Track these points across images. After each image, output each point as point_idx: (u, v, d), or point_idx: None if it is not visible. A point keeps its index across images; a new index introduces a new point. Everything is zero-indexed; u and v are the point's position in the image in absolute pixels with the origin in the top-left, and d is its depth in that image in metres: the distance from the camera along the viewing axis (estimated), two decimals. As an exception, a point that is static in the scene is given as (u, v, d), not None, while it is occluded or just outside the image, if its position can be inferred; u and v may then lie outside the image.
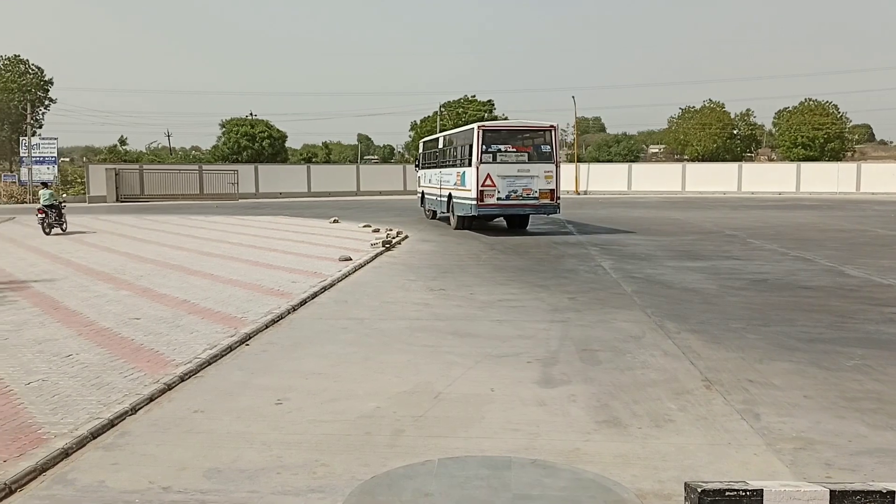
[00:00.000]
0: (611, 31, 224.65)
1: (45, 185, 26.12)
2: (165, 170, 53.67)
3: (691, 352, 7.95)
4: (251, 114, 75.08)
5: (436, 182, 26.17)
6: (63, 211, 22.91)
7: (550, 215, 23.64)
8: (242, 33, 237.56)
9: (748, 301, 10.98)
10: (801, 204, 39.92)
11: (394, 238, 19.45)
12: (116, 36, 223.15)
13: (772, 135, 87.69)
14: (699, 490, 3.39)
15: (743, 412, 6.00)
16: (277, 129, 72.93)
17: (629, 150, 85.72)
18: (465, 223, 23.11)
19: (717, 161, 67.60)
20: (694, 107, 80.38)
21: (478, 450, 5.24)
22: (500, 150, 21.30)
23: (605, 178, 57.00)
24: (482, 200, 21.05)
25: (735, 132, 78.39)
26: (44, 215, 21.97)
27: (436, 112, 73.35)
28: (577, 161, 60.37)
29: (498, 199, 21.14)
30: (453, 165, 23.76)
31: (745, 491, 3.40)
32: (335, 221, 26.21)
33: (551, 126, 21.98)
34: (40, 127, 60.99)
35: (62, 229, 22.62)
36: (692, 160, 71.52)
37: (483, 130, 21.32)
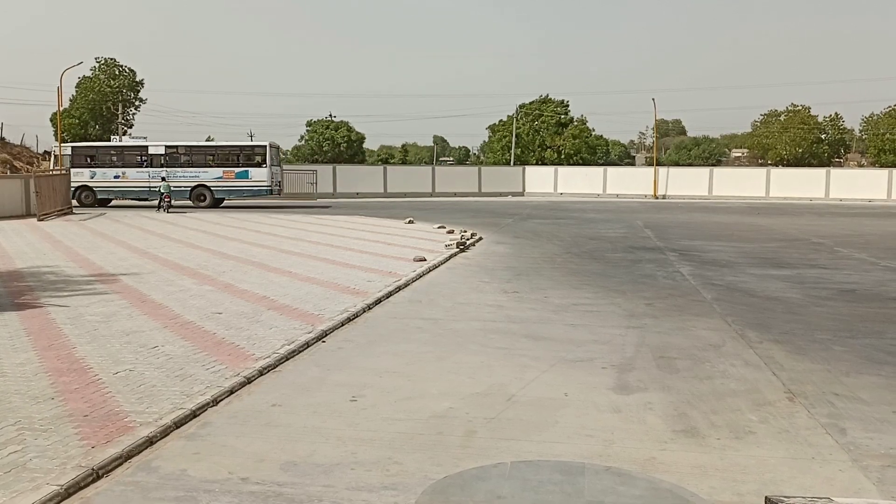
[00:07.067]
0: (691, 31, 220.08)
1: (163, 179, 36.10)
2: None
3: (774, 362, 7.72)
4: (330, 115, 76.54)
5: (144, 177, 36.84)
6: (171, 197, 34.84)
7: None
8: (325, 36, 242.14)
9: (835, 312, 10.59)
10: (892, 212, 38.26)
11: (468, 240, 19.48)
12: (205, 38, 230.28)
13: (862, 140, 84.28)
14: (781, 505, 3.29)
15: (828, 426, 5.79)
16: (357, 132, 74.31)
17: (709, 153, 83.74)
18: (221, 202, 37.26)
19: (802, 166, 65.34)
20: (777, 110, 77.94)
21: (551, 454, 5.21)
22: (274, 157, 37.40)
23: (685, 183, 55.68)
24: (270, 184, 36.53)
25: (822, 137, 75.60)
26: (169, 200, 33.99)
27: (511, 115, 73.17)
28: (656, 164, 59.27)
29: (270, 183, 36.55)
30: (205, 166, 36.87)
31: (830, 508, 3.28)
32: (410, 222, 26.41)
33: (265, 145, 38.58)
34: (130, 126, 63.34)
35: (167, 209, 33.74)
36: (776, 165, 69.35)
37: (271, 146, 37.03)
